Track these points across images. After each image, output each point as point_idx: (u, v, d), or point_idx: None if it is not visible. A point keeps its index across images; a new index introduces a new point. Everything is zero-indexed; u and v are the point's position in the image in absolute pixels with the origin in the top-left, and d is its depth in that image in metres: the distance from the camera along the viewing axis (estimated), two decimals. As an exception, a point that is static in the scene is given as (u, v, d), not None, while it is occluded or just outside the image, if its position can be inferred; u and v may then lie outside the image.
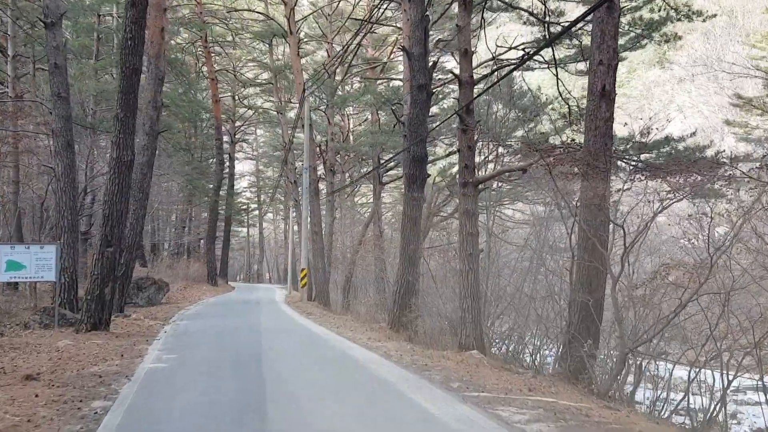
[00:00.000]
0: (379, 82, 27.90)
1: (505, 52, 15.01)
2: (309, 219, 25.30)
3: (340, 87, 27.24)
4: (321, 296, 26.39)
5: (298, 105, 26.73)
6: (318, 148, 29.40)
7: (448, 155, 24.43)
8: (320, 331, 12.18)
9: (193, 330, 12.48)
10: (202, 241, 43.91)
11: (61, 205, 12.78)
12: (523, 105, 19.25)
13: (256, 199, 62.22)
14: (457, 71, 11.69)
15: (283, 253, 62.84)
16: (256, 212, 64.32)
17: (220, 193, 37.56)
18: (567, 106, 12.43)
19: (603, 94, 9.95)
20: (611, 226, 9.82)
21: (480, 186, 11.14)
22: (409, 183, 15.57)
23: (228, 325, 13.43)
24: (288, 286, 33.74)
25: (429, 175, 16.55)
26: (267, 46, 32.51)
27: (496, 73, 12.42)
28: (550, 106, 18.03)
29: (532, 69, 19.37)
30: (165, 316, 15.77)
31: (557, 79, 12.49)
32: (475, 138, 12.48)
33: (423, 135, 15.46)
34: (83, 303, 10.78)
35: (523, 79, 18.13)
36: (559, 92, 12.65)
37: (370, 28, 25.93)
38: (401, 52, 30.72)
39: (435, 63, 14.87)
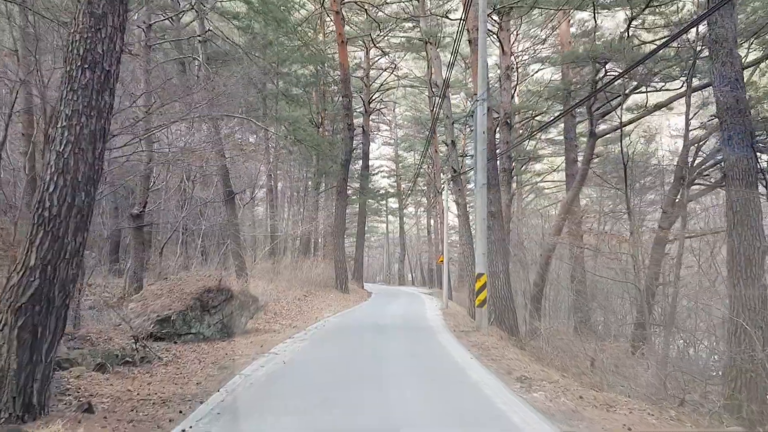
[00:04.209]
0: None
1: None
2: (484, 191, 15.03)
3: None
4: (504, 317, 16.14)
5: (460, 20, 16.75)
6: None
7: None
8: None
9: None
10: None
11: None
12: None
13: (394, 190, 53.27)
14: None
15: (426, 251, 53.53)
16: (395, 205, 55.14)
17: (350, 169, 28.55)
18: None
19: None
20: None
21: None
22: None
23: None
24: (443, 296, 23.86)
25: None
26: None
27: None
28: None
29: None
30: (187, 393, 6.41)
31: None
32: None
33: None
34: None
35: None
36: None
37: None
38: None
39: None
